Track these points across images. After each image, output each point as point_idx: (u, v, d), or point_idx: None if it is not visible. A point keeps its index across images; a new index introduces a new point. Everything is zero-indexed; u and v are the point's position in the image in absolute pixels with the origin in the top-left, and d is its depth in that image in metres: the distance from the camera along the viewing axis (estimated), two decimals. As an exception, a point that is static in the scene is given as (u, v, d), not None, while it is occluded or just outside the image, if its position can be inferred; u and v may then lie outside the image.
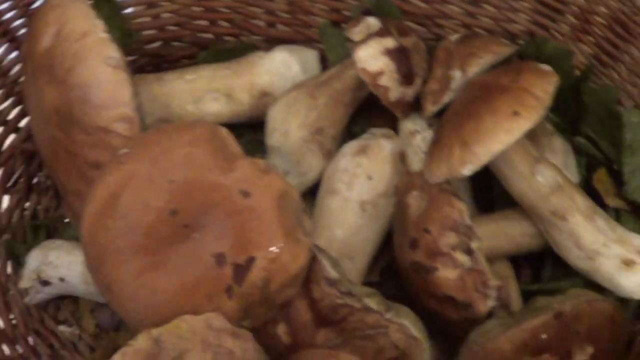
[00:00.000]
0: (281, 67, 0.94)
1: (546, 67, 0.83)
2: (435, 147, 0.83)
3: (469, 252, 0.81)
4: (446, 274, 0.81)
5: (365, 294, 0.80)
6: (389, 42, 0.86)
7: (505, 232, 0.87)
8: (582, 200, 0.84)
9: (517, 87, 0.80)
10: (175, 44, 1.01)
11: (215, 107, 0.93)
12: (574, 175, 0.90)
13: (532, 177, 0.83)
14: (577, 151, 0.91)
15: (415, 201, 0.84)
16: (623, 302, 0.85)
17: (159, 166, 0.75)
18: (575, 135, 0.91)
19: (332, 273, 0.78)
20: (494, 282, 0.81)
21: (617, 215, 0.88)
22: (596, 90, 0.89)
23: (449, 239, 0.81)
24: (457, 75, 0.86)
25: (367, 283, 0.90)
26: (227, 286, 0.74)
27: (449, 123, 0.83)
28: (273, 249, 0.74)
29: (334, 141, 0.91)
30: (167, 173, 0.75)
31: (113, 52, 0.80)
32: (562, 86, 0.89)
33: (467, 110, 0.81)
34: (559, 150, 0.90)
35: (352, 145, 0.89)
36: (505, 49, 0.87)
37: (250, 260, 0.74)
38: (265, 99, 0.93)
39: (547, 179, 0.83)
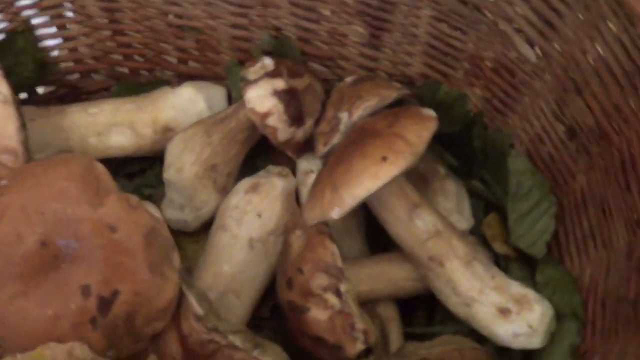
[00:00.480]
0: (186, 103, 0.96)
1: (427, 112, 0.83)
2: (313, 188, 0.84)
3: (339, 294, 0.81)
4: (317, 315, 0.82)
5: (231, 331, 0.81)
6: (279, 83, 0.87)
7: (387, 275, 0.87)
8: (461, 246, 0.83)
9: (390, 132, 0.81)
10: (93, 76, 1.04)
11: (119, 140, 0.95)
12: (467, 219, 0.90)
13: (410, 222, 0.83)
14: (475, 195, 0.91)
15: (297, 241, 0.85)
16: (508, 351, 0.85)
17: (33, 198, 0.78)
18: (473, 178, 0.91)
19: (198, 309, 0.79)
20: (361, 325, 0.81)
21: (506, 263, 0.88)
22: (488, 135, 0.89)
23: (321, 281, 0.81)
24: (344, 118, 0.87)
25: (256, 319, 0.91)
26: (91, 317, 0.76)
27: (327, 166, 0.83)
28: (137, 283, 0.76)
29: (228, 178, 0.93)
30: (40, 205, 0.77)
31: (2, 87, 0.83)
32: (457, 130, 0.90)
33: (342, 153, 0.82)
34: (452, 194, 0.90)
35: (244, 183, 0.90)
36: (392, 93, 0.87)
37: (115, 293, 0.76)
38: (169, 134, 0.94)
39: (426, 224, 0.83)
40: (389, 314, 0.89)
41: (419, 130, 0.81)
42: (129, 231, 0.77)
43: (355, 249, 0.91)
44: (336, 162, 0.82)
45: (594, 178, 0.81)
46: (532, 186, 0.85)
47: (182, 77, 1.01)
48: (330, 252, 0.82)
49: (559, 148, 0.85)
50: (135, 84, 1.01)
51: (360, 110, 0.86)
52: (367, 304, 0.88)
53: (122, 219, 0.78)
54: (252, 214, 0.88)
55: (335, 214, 0.79)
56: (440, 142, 0.91)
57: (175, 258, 0.80)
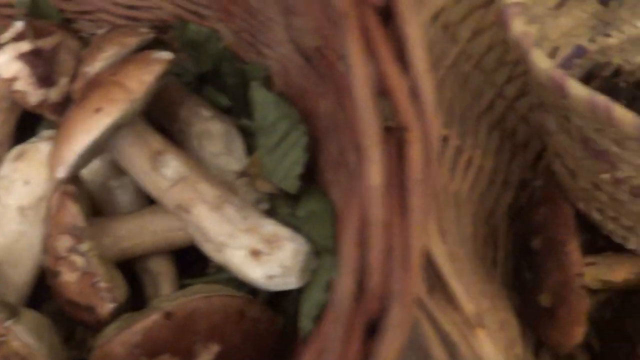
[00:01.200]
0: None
1: (158, 55, 0.79)
2: (54, 148, 0.81)
3: (83, 254, 0.79)
4: (68, 278, 0.80)
5: (-15, 303, 0.80)
6: (24, 46, 0.85)
7: (150, 228, 0.84)
8: (209, 190, 0.79)
9: (111, 81, 0.77)
10: None
11: None
12: (239, 160, 0.87)
13: (153, 171, 0.80)
14: (250, 134, 0.87)
15: (52, 204, 0.83)
16: (284, 295, 0.81)
17: None
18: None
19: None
20: (105, 283, 0.78)
21: (271, 201, 0.84)
22: (241, 71, 0.85)
23: (65, 242, 0.79)
24: (89, 71, 0.84)
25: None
26: None
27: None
28: None
29: (0, 149, 0.91)
30: None
31: None
32: (212, 69, 0.86)
33: (70, 109, 0.79)
34: (218, 136, 0.86)
35: (12, 152, 0.88)
36: (133, 40, 0.84)
37: None
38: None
39: (171, 172, 0.80)
40: (161, 267, 0.86)
41: (140, 75, 0.77)
42: None
43: (130, 205, 0.88)
44: (63, 119, 0.79)
45: (330, 101, 0.76)
46: (278, 118, 0.80)
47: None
48: (70, 212, 0.79)
49: (304, 74, 0.80)
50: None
51: (101, 62, 0.83)
52: (139, 259, 0.86)
53: None
54: (20, 182, 0.86)
55: (60, 172, 0.77)
56: (210, 84, 0.88)
57: None
